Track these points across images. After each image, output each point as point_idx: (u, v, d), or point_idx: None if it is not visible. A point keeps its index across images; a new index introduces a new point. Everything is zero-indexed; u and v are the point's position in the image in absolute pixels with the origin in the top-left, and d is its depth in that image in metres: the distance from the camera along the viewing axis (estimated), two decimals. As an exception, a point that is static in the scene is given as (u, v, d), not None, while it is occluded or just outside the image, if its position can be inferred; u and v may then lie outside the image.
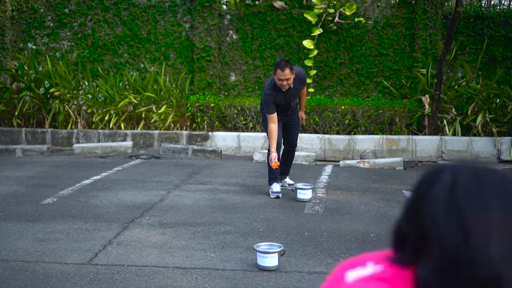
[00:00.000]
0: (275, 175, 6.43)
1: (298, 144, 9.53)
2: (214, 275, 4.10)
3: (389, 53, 10.68)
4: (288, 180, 6.85)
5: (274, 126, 6.06)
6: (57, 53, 11.20)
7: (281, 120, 6.36)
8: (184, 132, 9.95)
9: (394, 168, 8.61)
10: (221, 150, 9.39)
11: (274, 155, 6.04)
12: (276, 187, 6.41)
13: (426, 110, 9.61)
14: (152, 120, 10.11)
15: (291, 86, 6.04)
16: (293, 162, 8.92)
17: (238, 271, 4.17)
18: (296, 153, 9.15)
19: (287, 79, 5.87)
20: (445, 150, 9.30)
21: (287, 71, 5.85)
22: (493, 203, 0.93)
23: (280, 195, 6.36)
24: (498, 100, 9.54)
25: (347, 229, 5.23)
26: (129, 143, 9.83)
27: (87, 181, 7.14)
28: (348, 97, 10.54)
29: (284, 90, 5.99)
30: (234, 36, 11.02)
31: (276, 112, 6.13)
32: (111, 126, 10.14)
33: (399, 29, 10.65)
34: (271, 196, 6.37)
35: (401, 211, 1.04)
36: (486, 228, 0.91)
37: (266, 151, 9.14)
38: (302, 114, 6.77)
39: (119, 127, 10.23)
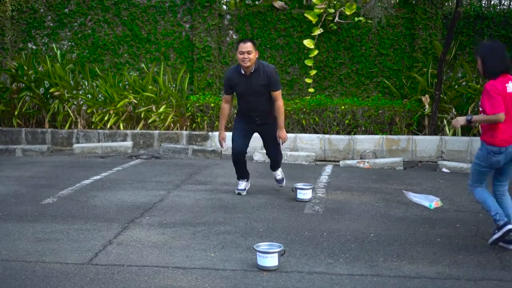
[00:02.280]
0: (240, 173, 6.48)
1: (298, 144, 9.58)
2: (214, 275, 4.10)
3: (389, 53, 10.68)
4: (277, 173, 6.65)
5: (225, 106, 6.16)
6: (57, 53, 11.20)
7: (251, 124, 6.19)
8: (184, 132, 9.96)
9: (394, 168, 8.61)
10: (221, 150, 9.39)
11: (222, 135, 6.13)
12: (241, 184, 6.50)
13: (426, 110, 9.61)
14: (151, 120, 10.10)
15: (253, 70, 5.89)
16: (293, 162, 8.96)
17: (238, 271, 4.17)
18: (296, 153, 9.18)
19: (248, 52, 5.78)
20: (445, 150, 9.30)
21: (249, 44, 5.83)
22: None
23: (243, 193, 6.46)
24: (498, 100, 9.52)
25: (347, 229, 5.24)
26: (129, 143, 9.83)
27: (87, 181, 7.14)
28: (348, 97, 10.55)
29: (245, 65, 5.83)
30: (234, 36, 11.02)
31: (229, 100, 6.17)
32: (109, 126, 10.14)
33: (399, 29, 10.65)
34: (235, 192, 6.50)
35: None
36: None
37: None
38: (280, 133, 6.14)
39: (119, 127, 10.23)
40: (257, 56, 5.90)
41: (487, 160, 4.70)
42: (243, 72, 5.92)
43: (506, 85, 4.63)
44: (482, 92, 4.76)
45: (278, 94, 6.02)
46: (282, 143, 6.22)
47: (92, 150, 9.68)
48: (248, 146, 6.30)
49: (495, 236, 4.66)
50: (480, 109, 4.74)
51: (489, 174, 4.81)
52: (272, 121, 6.14)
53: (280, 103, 6.04)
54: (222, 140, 6.25)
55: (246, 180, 6.54)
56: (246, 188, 6.53)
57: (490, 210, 4.71)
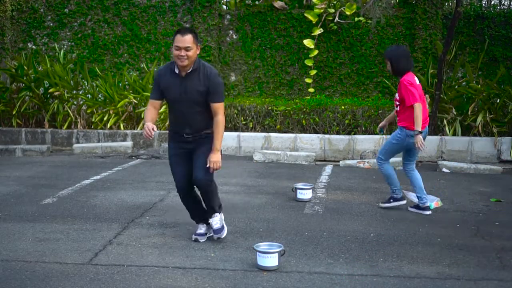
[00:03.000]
0: (195, 213, 4.93)
1: (298, 144, 9.56)
2: (214, 275, 4.10)
3: (389, 53, 10.67)
4: (214, 221, 4.80)
5: (151, 108, 4.66)
6: (56, 53, 11.20)
7: (184, 144, 4.68)
8: (184, 132, 9.94)
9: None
10: (221, 150, 9.36)
11: (149, 125, 4.45)
12: (200, 228, 4.92)
13: (426, 110, 9.60)
14: (152, 120, 10.09)
15: (190, 71, 4.53)
16: (293, 162, 8.94)
17: (238, 271, 4.17)
18: (296, 153, 9.16)
19: (186, 48, 4.43)
20: (445, 150, 9.30)
21: (189, 37, 4.46)
22: None
23: (202, 239, 4.85)
24: (498, 100, 9.53)
25: (347, 229, 5.24)
26: (129, 143, 9.83)
27: (87, 181, 7.14)
28: (348, 97, 10.54)
29: (181, 64, 4.47)
30: (234, 36, 11.02)
31: (158, 107, 4.70)
32: (109, 126, 10.13)
33: (399, 29, 10.65)
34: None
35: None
36: None
37: (266, 151, 9.15)
38: (212, 157, 4.62)
39: (119, 127, 10.22)
40: (198, 52, 4.56)
41: (404, 142, 5.73)
42: (177, 71, 4.56)
43: (415, 78, 5.73)
44: (400, 86, 5.67)
45: (219, 107, 4.58)
46: (212, 171, 4.62)
47: (92, 150, 9.68)
48: (190, 173, 4.72)
49: (389, 205, 5.95)
50: (397, 102, 5.75)
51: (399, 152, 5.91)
52: (206, 136, 4.69)
53: (220, 118, 4.59)
54: (148, 130, 4.44)
55: (206, 222, 4.91)
56: (208, 234, 4.90)
57: (392, 184, 5.92)
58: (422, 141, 5.58)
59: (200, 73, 4.55)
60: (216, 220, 4.79)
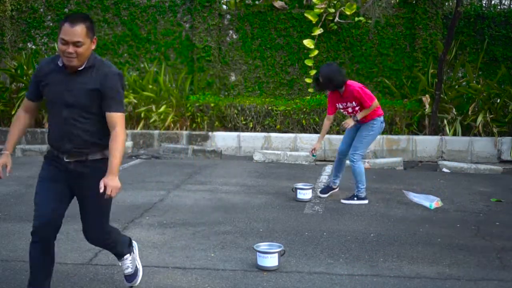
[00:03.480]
0: (40, 276, 3.44)
1: (298, 144, 9.55)
2: (214, 275, 4.10)
3: (389, 53, 10.67)
4: (125, 264, 3.76)
5: (21, 115, 3.63)
6: (56, 53, 11.19)
7: (62, 171, 3.58)
8: (184, 132, 9.95)
9: (394, 168, 8.60)
10: (221, 150, 9.38)
11: (3, 159, 3.70)
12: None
13: (426, 110, 9.60)
14: (151, 120, 10.09)
15: (82, 68, 3.28)
16: (293, 162, 8.93)
17: (238, 271, 4.17)
18: (296, 153, 9.16)
19: (76, 43, 3.18)
20: (445, 150, 9.29)
21: (80, 28, 3.18)
22: None
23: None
24: (498, 100, 9.53)
25: (347, 229, 5.23)
26: (129, 143, 9.81)
27: (87, 181, 7.13)
28: (348, 97, 10.52)
29: (69, 64, 3.26)
30: (234, 36, 11.01)
31: (32, 109, 3.63)
32: (110, 126, 10.11)
33: (399, 29, 10.64)
34: None
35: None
36: None
37: (266, 151, 9.14)
38: (107, 180, 3.22)
39: (119, 127, 10.21)
40: (93, 47, 3.31)
41: (379, 128, 6.31)
42: (61, 64, 3.36)
43: None
44: (354, 94, 6.10)
45: (117, 118, 3.28)
46: (107, 196, 3.25)
47: (92, 150, 9.66)
48: (63, 214, 3.55)
49: (352, 202, 6.16)
50: (357, 108, 6.15)
51: None
52: (97, 163, 3.39)
53: (119, 130, 3.27)
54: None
55: None
56: None
57: (361, 182, 6.18)
58: (351, 124, 6.17)
59: (94, 70, 3.30)
60: (127, 263, 3.73)
